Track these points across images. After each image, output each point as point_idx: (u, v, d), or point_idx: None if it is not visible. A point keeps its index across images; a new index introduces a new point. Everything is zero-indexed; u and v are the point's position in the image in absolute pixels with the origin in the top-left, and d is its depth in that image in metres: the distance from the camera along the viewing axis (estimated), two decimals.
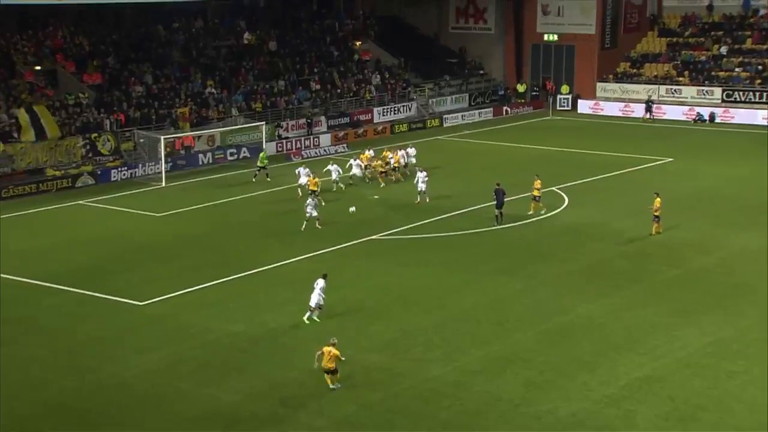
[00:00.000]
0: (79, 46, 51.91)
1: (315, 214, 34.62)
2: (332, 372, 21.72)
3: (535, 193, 36.61)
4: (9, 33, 50.12)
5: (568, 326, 25.61)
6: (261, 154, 44.49)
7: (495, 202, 35.29)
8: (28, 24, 51.33)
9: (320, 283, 25.95)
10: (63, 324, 26.03)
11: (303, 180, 39.28)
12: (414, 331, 25.30)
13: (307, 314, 25.76)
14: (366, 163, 42.84)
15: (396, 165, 42.93)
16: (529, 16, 67.86)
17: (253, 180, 43.64)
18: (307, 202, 34.99)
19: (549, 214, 37.02)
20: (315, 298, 25.80)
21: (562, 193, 40.59)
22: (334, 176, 40.89)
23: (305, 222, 34.62)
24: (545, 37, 67.70)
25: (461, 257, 31.90)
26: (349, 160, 43.47)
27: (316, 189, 37.50)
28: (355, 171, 42.36)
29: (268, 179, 43.35)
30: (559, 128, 59.22)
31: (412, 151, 45.27)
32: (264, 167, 43.66)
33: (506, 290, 28.51)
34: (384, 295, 28.25)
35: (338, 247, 33.01)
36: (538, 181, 36.85)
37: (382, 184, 41.14)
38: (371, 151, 44.66)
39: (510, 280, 29.36)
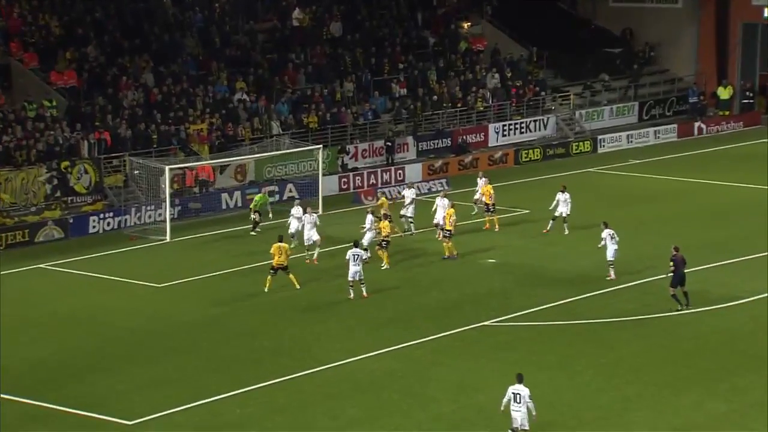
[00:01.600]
0: (44, 28, 53.31)
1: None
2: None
3: (486, 200, 39.01)
4: None
5: None
6: (257, 196, 45.25)
7: (671, 275, 34.96)
8: None
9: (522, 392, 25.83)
10: None
11: (368, 236, 40.32)
12: None
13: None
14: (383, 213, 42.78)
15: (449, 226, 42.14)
16: None
17: (252, 233, 43.84)
18: (348, 255, 36.21)
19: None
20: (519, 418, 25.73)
21: None
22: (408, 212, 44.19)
23: (351, 289, 36.25)
24: (766, 12, 66.87)
25: (624, 358, 31.47)
26: (435, 201, 44.01)
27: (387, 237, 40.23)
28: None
29: (253, 232, 44.31)
30: None
31: (410, 193, 45.27)
32: (258, 212, 44.55)
33: (699, 414, 27.93)
34: (501, 416, 27.66)
35: (430, 338, 32.85)
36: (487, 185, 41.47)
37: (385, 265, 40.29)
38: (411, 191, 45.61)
39: (705, 398, 28.77)
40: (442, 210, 42.23)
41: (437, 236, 42.40)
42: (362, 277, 36.21)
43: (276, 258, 36.76)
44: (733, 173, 53.92)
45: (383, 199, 44.99)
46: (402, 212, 43.88)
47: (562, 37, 67.29)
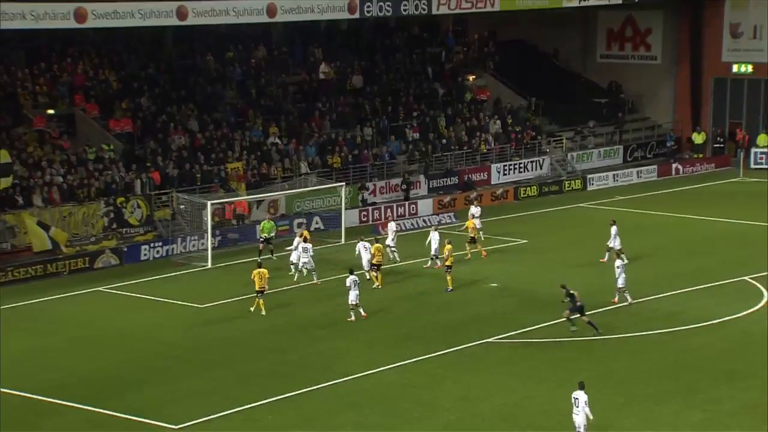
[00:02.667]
0: (104, 83, 53.57)
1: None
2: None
3: (472, 233, 38.12)
4: (14, 67, 51.89)
5: None
6: (263, 223, 45.19)
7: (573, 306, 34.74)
8: (40, 55, 53.17)
9: (580, 398, 25.80)
10: None
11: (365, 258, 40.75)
12: None
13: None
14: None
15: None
16: (712, 39, 67.12)
17: (258, 260, 43.60)
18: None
19: (740, 314, 36.03)
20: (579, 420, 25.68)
21: (760, 286, 39.59)
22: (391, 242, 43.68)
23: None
24: (734, 67, 66.71)
25: (614, 372, 31.31)
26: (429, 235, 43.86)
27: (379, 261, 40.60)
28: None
29: (273, 257, 44.00)
30: (753, 194, 57.73)
31: (392, 226, 45.07)
32: (269, 240, 44.44)
33: (679, 422, 27.67)
34: (503, 423, 27.72)
35: (439, 353, 32.70)
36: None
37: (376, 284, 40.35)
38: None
39: (684, 408, 28.52)
40: (435, 242, 42.26)
41: (426, 266, 42.35)
42: (358, 301, 36.05)
43: (257, 283, 36.90)
44: (707, 209, 53.66)
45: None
46: (387, 242, 43.45)
47: (556, 89, 67.21)
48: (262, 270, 37.28)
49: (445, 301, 38.48)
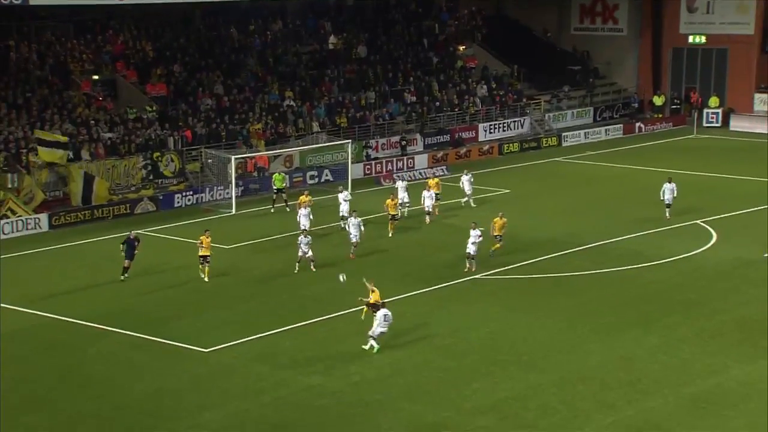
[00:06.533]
0: (141, 52, 53.40)
1: (310, 254, 34.56)
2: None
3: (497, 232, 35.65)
4: (65, 38, 51.83)
5: (718, 392, 24.78)
6: (275, 176, 44.77)
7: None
8: (86, 28, 53.05)
9: (388, 313, 26.78)
10: (114, 374, 26.40)
11: (402, 194, 40.60)
12: (526, 391, 24.85)
13: (369, 343, 26.84)
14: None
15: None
16: (671, 13, 66.75)
17: (272, 210, 43.40)
18: (299, 240, 34.82)
19: (693, 253, 36.13)
20: (377, 328, 26.62)
21: (709, 228, 39.74)
22: (403, 196, 41.46)
23: (297, 264, 34.57)
24: (690, 38, 66.39)
25: (583, 304, 31.42)
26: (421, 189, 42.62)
27: (394, 213, 39.28)
28: (427, 204, 41.40)
29: (288, 208, 43.21)
30: (705, 149, 57.90)
31: (401, 186, 42.36)
32: (281, 190, 44.08)
33: (638, 346, 27.86)
34: (490, 347, 27.93)
35: (434, 288, 32.87)
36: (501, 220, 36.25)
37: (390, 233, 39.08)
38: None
39: (643, 334, 28.70)
40: (429, 200, 41.14)
41: (426, 220, 41.12)
42: (312, 258, 34.53)
43: (203, 249, 33.37)
44: (665, 162, 53.56)
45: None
46: (401, 198, 41.37)
47: (534, 57, 66.94)
48: (205, 237, 33.60)
49: (441, 243, 38.34)
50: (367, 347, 27.05)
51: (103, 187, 44.17)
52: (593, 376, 25.74)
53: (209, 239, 34.01)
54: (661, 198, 40.99)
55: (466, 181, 43.71)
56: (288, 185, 45.71)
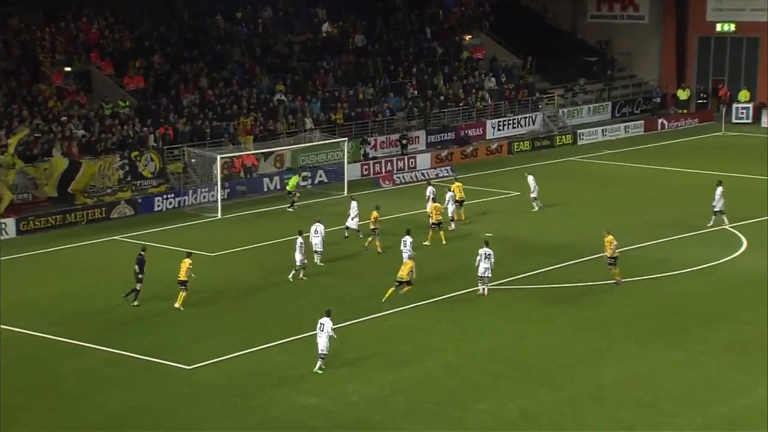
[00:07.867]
0: (118, 41, 53.63)
1: (300, 258, 34.67)
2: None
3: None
4: (34, 26, 51.99)
5: (747, 413, 24.90)
6: (292, 178, 45.44)
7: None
8: (56, 14, 53.25)
9: (326, 324, 27.13)
10: (90, 392, 26.55)
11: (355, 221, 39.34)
12: (537, 411, 25.01)
13: (318, 364, 27.05)
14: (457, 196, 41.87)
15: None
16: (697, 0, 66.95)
17: (290, 210, 44.29)
18: (297, 242, 34.86)
19: (721, 261, 36.33)
20: (321, 344, 27.00)
21: (739, 234, 39.94)
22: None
23: (294, 271, 34.94)
24: (718, 27, 66.72)
25: (599, 316, 31.58)
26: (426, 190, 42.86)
27: (439, 220, 39.08)
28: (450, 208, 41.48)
29: (290, 209, 44.43)
30: (734, 147, 58.09)
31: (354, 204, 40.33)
32: (291, 193, 44.82)
33: (659, 361, 28.00)
34: (496, 362, 28.09)
35: (435, 299, 32.99)
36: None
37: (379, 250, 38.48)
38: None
39: (664, 349, 28.85)
40: (452, 206, 41.31)
41: (452, 227, 40.77)
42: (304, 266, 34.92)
43: (181, 273, 32.31)
44: (691, 162, 53.90)
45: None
46: (347, 224, 39.91)
47: (548, 48, 67.24)
48: (186, 260, 32.66)
49: (444, 251, 38.57)
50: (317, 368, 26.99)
51: (89, 172, 44.24)
52: (609, 394, 25.88)
53: (189, 263, 32.63)
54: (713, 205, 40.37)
55: (531, 182, 43.72)
56: (298, 188, 45.77)
